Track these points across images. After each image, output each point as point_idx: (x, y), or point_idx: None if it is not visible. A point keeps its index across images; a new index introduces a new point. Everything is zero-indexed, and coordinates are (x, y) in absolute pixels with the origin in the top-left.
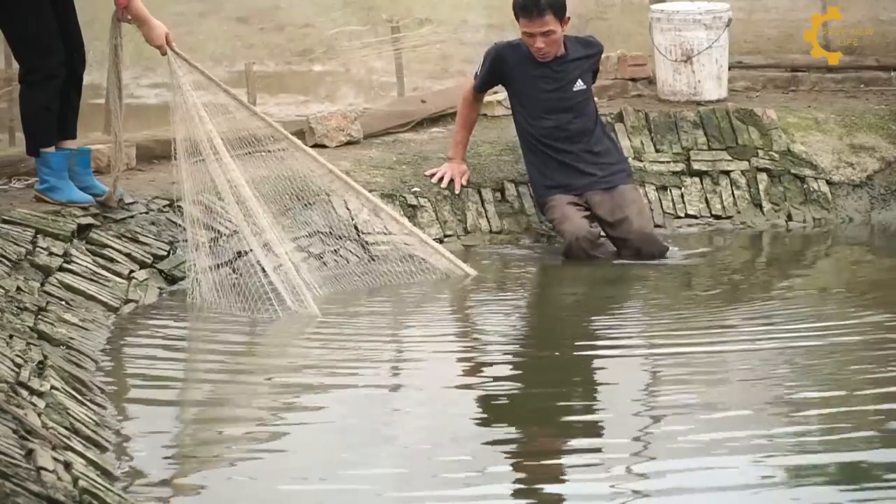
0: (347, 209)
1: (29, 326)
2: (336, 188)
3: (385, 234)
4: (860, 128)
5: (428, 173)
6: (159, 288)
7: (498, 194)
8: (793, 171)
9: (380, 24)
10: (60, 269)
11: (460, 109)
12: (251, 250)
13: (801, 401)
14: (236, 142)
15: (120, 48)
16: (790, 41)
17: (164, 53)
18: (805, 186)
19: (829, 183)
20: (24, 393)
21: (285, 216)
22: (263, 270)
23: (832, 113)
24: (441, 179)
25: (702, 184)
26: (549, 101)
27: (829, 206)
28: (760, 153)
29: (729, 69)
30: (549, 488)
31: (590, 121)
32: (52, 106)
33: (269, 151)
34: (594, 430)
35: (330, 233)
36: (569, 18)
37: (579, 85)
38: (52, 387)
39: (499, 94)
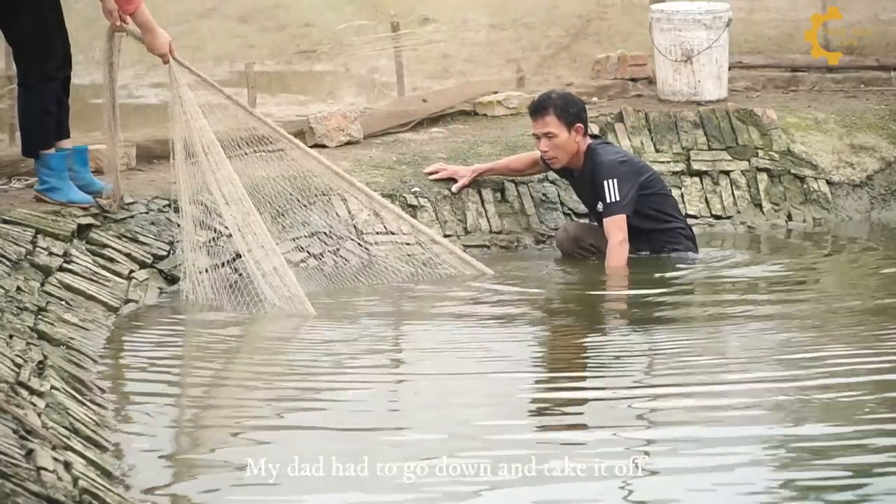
0: (347, 209)
1: (29, 326)
2: (343, 189)
3: (385, 233)
4: (860, 128)
5: (431, 168)
6: (159, 288)
7: (498, 194)
8: (793, 171)
9: (381, 24)
10: (60, 269)
11: (523, 154)
12: (248, 251)
13: (804, 409)
14: (237, 143)
15: (117, 66)
16: (790, 41)
17: (166, 62)
18: (805, 186)
19: (829, 183)
20: (24, 393)
21: (286, 216)
22: (257, 280)
23: (832, 113)
24: (440, 173)
25: (702, 184)
26: (587, 208)
27: (829, 206)
28: (760, 153)
29: (729, 69)
30: (550, 489)
31: (640, 242)
32: (52, 108)
33: (270, 152)
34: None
35: (329, 233)
36: (582, 128)
37: (601, 206)
38: (52, 387)
39: (499, 94)
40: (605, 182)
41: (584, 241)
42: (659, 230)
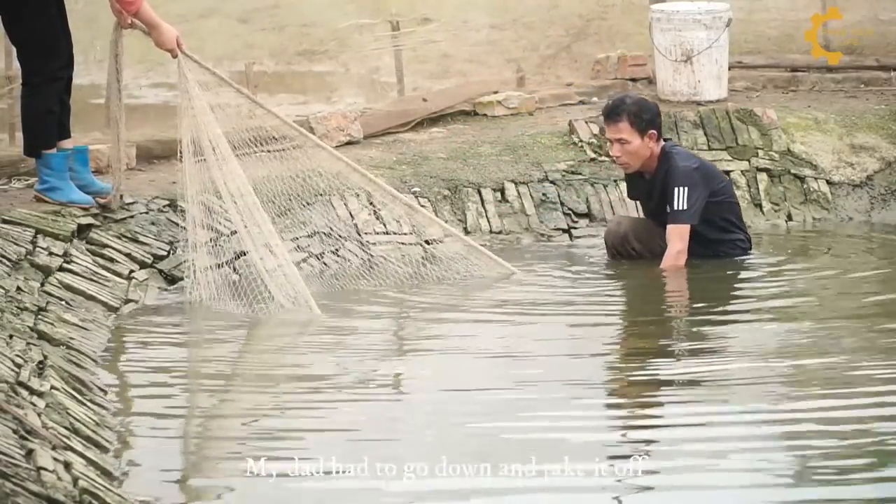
0: (347, 209)
1: (29, 326)
2: (361, 185)
3: (385, 234)
4: (860, 128)
5: None
6: (159, 288)
7: (498, 194)
8: (793, 171)
9: (381, 24)
10: (60, 269)
11: None
12: (251, 251)
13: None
14: (243, 143)
15: (121, 58)
16: (790, 41)
17: (175, 56)
18: (805, 186)
19: (829, 183)
20: (24, 393)
21: (286, 216)
22: (262, 275)
23: (832, 113)
24: None
25: None
26: (652, 216)
27: (829, 206)
28: (760, 153)
29: (729, 69)
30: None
31: (698, 248)
32: (55, 108)
33: (269, 152)
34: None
35: (329, 233)
36: (655, 134)
37: (668, 210)
38: (52, 387)
39: (499, 94)
40: (676, 189)
41: (630, 242)
42: (719, 240)
